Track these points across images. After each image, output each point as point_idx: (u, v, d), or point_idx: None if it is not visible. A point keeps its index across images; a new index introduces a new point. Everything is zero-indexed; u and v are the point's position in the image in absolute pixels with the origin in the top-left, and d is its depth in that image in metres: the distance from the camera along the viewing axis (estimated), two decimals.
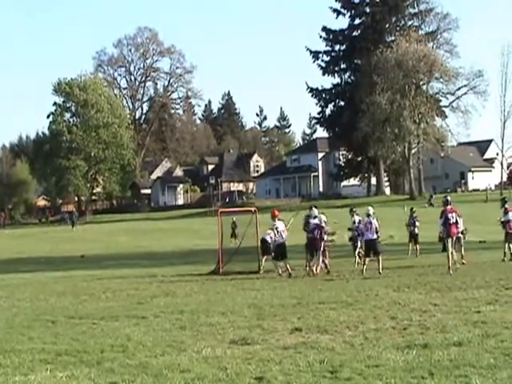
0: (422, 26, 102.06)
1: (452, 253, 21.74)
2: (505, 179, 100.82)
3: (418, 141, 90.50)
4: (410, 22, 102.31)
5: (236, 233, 43.26)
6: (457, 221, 22.31)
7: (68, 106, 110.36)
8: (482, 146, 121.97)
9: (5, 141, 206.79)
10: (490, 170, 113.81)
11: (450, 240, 21.67)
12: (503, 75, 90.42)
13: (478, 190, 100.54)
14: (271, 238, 24.55)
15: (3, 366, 10.41)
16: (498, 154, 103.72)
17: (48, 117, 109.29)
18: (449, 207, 22.23)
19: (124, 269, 29.47)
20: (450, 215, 21.88)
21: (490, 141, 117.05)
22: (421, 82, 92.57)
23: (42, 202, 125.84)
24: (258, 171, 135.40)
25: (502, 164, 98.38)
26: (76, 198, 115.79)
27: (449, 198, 23.00)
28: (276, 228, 24.55)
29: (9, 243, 56.75)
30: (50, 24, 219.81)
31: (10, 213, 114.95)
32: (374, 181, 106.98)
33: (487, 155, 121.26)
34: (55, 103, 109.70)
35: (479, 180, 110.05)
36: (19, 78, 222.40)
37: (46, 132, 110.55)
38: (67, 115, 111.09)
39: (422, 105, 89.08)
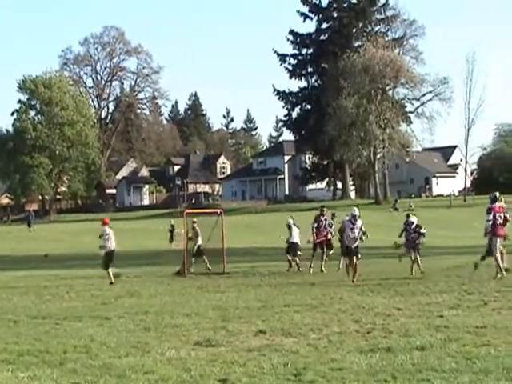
0: (389, 32, 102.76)
1: (502, 253, 20.38)
2: (468, 185, 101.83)
3: (383, 145, 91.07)
4: (376, 28, 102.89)
5: (174, 235, 43.40)
6: (505, 220, 20.34)
7: (33, 103, 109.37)
8: (447, 151, 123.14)
9: None
10: (454, 176, 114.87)
11: (498, 240, 19.94)
12: (468, 82, 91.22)
13: (442, 196, 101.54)
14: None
15: None
16: (461, 160, 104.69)
17: (12, 114, 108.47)
18: (497, 205, 20.35)
19: (88, 269, 29.28)
20: (497, 215, 20.00)
21: (455, 147, 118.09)
22: (387, 88, 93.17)
23: (5, 201, 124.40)
24: (224, 173, 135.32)
25: (465, 170, 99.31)
26: (40, 197, 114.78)
27: (497, 193, 20.69)
28: (107, 234, 24.03)
29: None
30: (15, 21, 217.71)
31: None
32: (339, 185, 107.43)
33: (451, 161, 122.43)
34: (20, 100, 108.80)
35: (443, 185, 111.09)
36: None
37: (10, 129, 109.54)
38: (32, 113, 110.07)
39: (387, 110, 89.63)
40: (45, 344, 11.81)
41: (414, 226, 23.10)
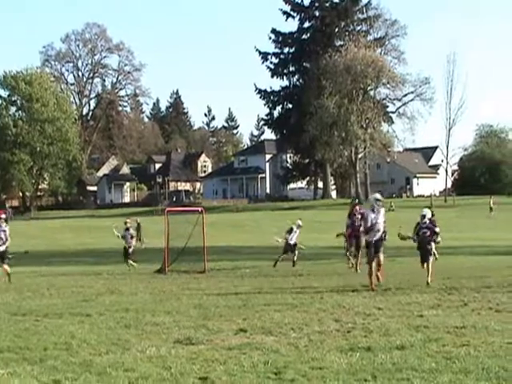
0: (371, 31, 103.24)
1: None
2: (449, 186, 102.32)
3: (364, 145, 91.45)
4: (358, 28, 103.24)
5: (140, 235, 43.46)
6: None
7: (13, 99, 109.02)
8: (427, 152, 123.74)
9: None
10: (435, 177, 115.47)
11: None
12: (449, 83, 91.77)
13: (422, 196, 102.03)
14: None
15: None
16: (442, 161, 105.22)
17: None
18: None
19: (69, 266, 29.22)
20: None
21: (435, 147, 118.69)
22: (368, 88, 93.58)
23: None
24: (205, 171, 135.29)
25: (446, 171, 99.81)
26: (20, 194, 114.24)
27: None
28: (4, 231, 23.72)
29: None
30: None
31: None
32: (320, 184, 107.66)
33: (432, 162, 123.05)
34: (0, 97, 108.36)
35: (424, 186, 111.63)
36: None
37: None
38: (12, 109, 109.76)
39: (369, 110, 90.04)
40: (25, 341, 11.76)
41: (426, 219, 19.92)
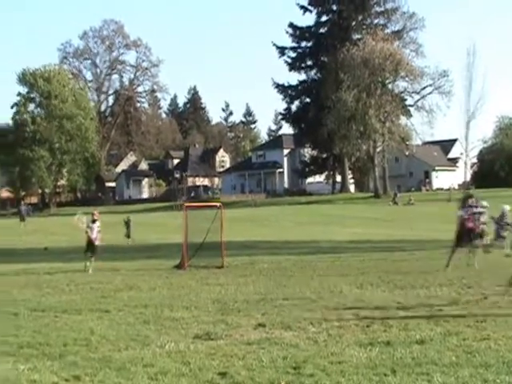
0: (388, 24, 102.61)
1: None
2: (469, 179, 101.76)
3: (383, 139, 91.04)
4: (376, 21, 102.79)
5: (129, 231, 43.19)
6: None
7: (32, 96, 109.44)
8: (446, 145, 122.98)
9: None
10: (454, 170, 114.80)
11: None
12: (468, 75, 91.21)
13: (441, 189, 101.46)
14: None
15: None
16: (461, 154, 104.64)
17: (12, 107, 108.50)
18: None
19: (87, 262, 29.21)
20: None
21: (454, 140, 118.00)
22: (386, 81, 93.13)
23: (5, 194, 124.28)
24: (223, 166, 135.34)
25: (465, 163, 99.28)
26: (40, 190, 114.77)
27: None
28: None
29: None
30: (16, 14, 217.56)
31: None
32: (338, 178, 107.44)
33: (451, 155, 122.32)
34: (19, 93, 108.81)
35: (443, 179, 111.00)
36: None
37: (10, 122, 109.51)
38: (31, 106, 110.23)
39: (387, 103, 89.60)
40: (45, 336, 11.82)
41: (505, 217, 19.03)
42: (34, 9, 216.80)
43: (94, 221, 26.95)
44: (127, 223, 44.22)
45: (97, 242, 26.28)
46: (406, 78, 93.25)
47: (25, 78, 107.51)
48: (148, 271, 24.55)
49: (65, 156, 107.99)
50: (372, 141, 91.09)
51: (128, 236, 42.60)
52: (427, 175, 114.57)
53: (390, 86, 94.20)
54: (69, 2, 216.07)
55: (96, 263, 25.36)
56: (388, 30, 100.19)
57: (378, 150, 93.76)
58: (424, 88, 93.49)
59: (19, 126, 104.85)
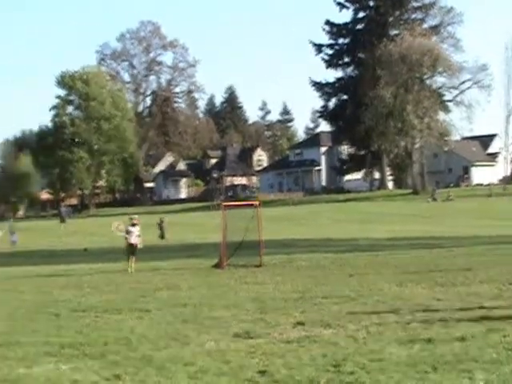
0: (426, 19, 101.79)
1: None
2: (509, 174, 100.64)
3: (421, 135, 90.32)
4: (413, 16, 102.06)
5: (163, 233, 43.10)
6: None
7: (71, 98, 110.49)
8: (485, 140, 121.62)
9: (7, 135, 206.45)
10: (493, 165, 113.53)
11: None
12: (507, 69, 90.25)
13: (481, 185, 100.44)
14: None
15: (7, 358, 10.45)
16: (501, 149, 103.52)
17: (51, 110, 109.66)
18: None
19: (126, 262, 29.42)
20: None
21: (494, 135, 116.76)
22: (424, 76, 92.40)
23: (45, 196, 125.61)
24: (260, 165, 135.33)
25: (505, 158, 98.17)
26: (79, 192, 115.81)
27: None
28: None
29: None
30: (53, 17, 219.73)
31: (14, 206, 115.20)
32: (377, 175, 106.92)
33: (490, 150, 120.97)
34: (58, 96, 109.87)
35: (482, 175, 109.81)
36: (22, 72, 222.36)
37: (49, 125, 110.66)
38: (70, 108, 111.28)
39: (425, 99, 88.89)
40: (86, 336, 11.92)
41: None
42: (72, 12, 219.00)
43: (133, 224, 26.85)
44: (160, 225, 44.47)
45: (139, 246, 26.27)
46: (445, 74, 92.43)
47: (63, 81, 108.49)
48: (187, 270, 24.65)
49: (103, 157, 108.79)
50: (410, 137, 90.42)
51: (162, 237, 42.77)
52: (466, 171, 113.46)
53: (428, 81, 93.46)
54: (106, 5, 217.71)
55: (136, 264, 25.52)
56: (425, 25, 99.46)
57: (416, 146, 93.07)
58: (463, 83, 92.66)
59: (58, 128, 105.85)
